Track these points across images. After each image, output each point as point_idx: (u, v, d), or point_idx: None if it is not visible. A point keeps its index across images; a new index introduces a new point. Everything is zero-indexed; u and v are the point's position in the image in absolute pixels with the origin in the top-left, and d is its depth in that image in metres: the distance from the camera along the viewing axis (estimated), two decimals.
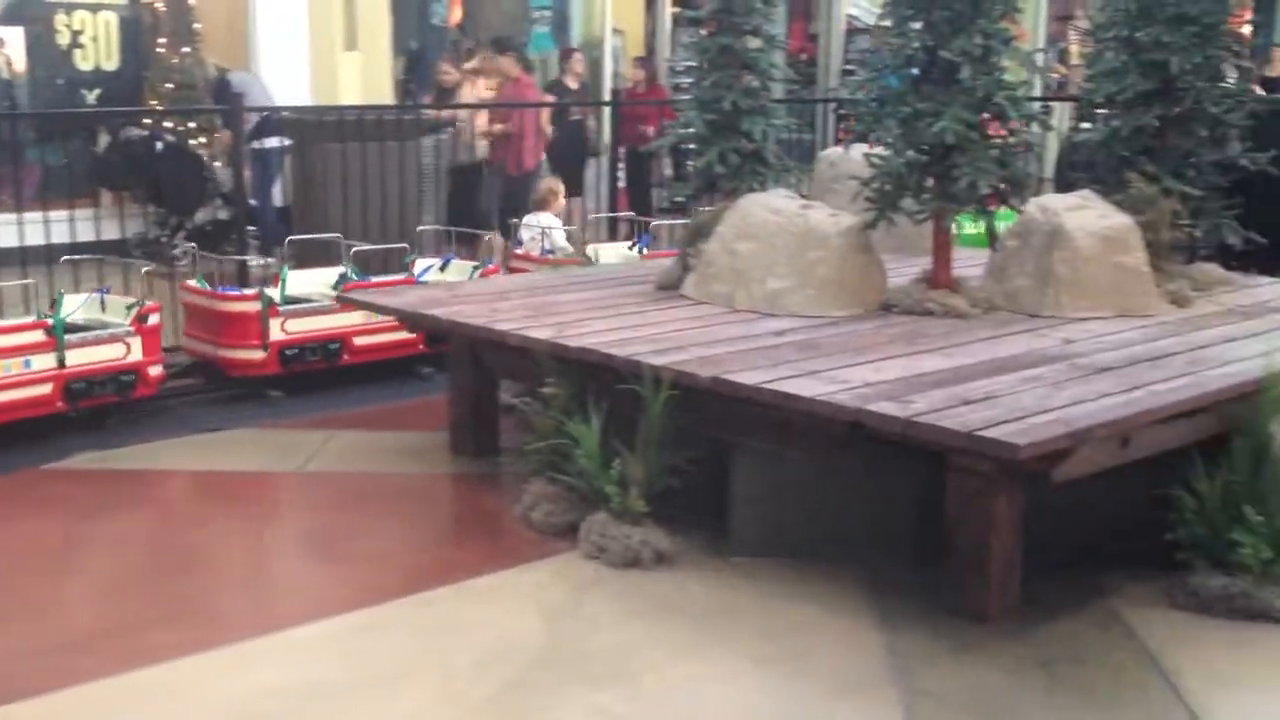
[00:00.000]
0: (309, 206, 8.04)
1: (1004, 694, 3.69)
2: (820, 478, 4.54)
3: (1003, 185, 5.31)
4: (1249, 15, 11.92)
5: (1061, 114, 11.58)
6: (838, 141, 9.49)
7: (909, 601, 4.23)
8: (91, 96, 10.94)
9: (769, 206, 5.54)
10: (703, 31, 6.12)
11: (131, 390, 6.22)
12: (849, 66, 15.45)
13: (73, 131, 10.63)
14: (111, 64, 11.06)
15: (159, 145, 10.34)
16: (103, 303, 6.39)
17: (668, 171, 12.13)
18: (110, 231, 8.50)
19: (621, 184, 10.53)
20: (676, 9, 15.10)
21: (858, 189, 5.49)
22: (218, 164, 10.55)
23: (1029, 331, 5.11)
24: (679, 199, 6.98)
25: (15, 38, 10.66)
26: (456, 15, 14.00)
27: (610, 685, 3.71)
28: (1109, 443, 4.02)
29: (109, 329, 6.19)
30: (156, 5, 11.09)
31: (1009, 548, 4.09)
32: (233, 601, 4.41)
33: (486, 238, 9.17)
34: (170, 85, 10.94)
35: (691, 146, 6.21)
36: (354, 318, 6.89)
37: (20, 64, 10.73)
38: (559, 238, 8.31)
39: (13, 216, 7.02)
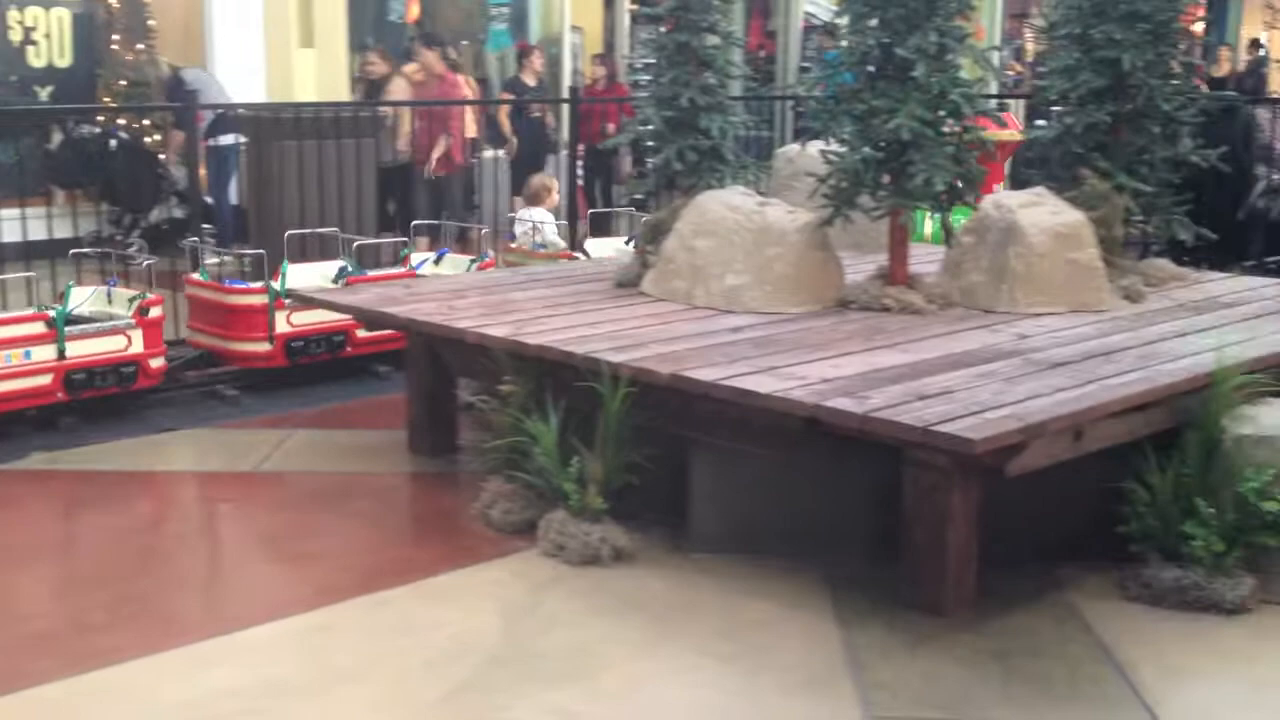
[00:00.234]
0: (264, 204, 7.97)
1: (960, 686, 3.72)
2: (778, 474, 4.55)
3: (958, 182, 5.34)
4: (1201, 13, 12.06)
5: (1016, 111, 11.68)
6: (796, 138, 9.51)
7: (866, 596, 4.25)
8: (44, 93, 10.81)
9: (727, 203, 5.55)
10: (661, 28, 6.14)
11: (132, 382, 6.32)
12: (806, 64, 15.51)
13: (25, 129, 10.50)
14: (65, 61, 10.94)
15: (113, 143, 10.25)
16: (109, 295, 6.52)
17: (629, 169, 12.14)
18: (63, 230, 8.40)
19: (580, 181, 10.51)
20: (635, 6, 15.10)
21: (815, 186, 5.51)
22: (169, 158, 10.46)
23: (984, 327, 5.14)
24: (638, 196, 6.99)
25: None
26: (414, 12, 13.91)
27: (567, 684, 3.71)
28: (1063, 437, 4.05)
29: (111, 321, 6.31)
30: (110, 2, 10.99)
31: (965, 542, 4.12)
32: (187, 603, 4.37)
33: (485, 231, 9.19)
34: (124, 82, 10.84)
35: (650, 144, 6.22)
36: None
37: None
38: (550, 232, 8.41)
39: None
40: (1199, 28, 16.21)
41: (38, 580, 4.54)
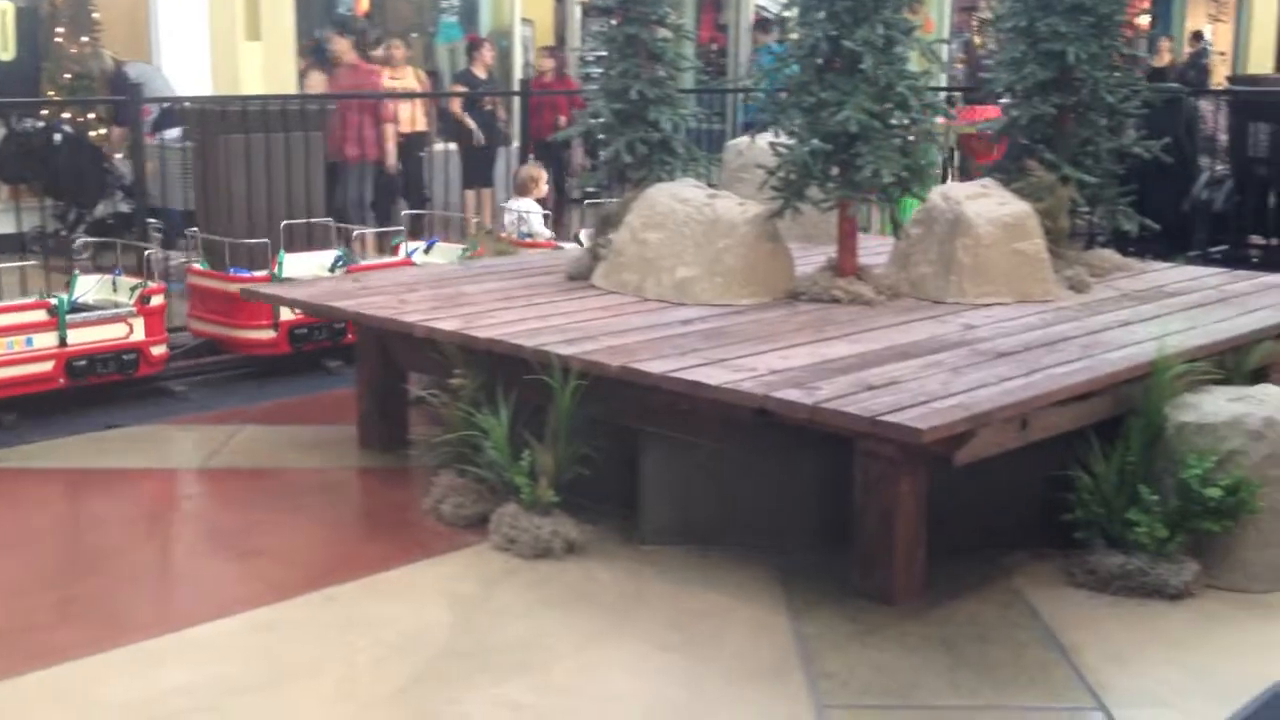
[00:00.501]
0: (212, 198, 7.89)
1: (908, 674, 3.75)
2: (729, 465, 4.57)
3: (905, 173, 5.38)
4: (1145, 5, 12.20)
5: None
6: (746, 130, 9.53)
7: (816, 585, 4.28)
8: None
9: (677, 196, 5.56)
10: (611, 21, 6.13)
11: (134, 369, 6.43)
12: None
13: None
14: (8, 54, 10.77)
15: (57, 137, 10.10)
16: (114, 283, 6.64)
17: (581, 161, 12.12)
18: (6, 225, 8.29)
19: None
20: None
21: (764, 178, 5.53)
22: (118, 156, 10.33)
23: (932, 318, 5.19)
24: (590, 189, 6.98)
25: None
26: (364, 3, 13.82)
27: (518, 676, 3.71)
28: (1009, 425, 4.10)
29: (114, 309, 6.40)
30: None
31: (913, 530, 4.16)
32: (135, 601, 4.33)
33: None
34: (69, 76, 10.70)
35: (600, 136, 6.21)
36: None
37: None
38: (535, 223, 8.42)
39: None
40: (1144, 20, 16.41)
41: None
